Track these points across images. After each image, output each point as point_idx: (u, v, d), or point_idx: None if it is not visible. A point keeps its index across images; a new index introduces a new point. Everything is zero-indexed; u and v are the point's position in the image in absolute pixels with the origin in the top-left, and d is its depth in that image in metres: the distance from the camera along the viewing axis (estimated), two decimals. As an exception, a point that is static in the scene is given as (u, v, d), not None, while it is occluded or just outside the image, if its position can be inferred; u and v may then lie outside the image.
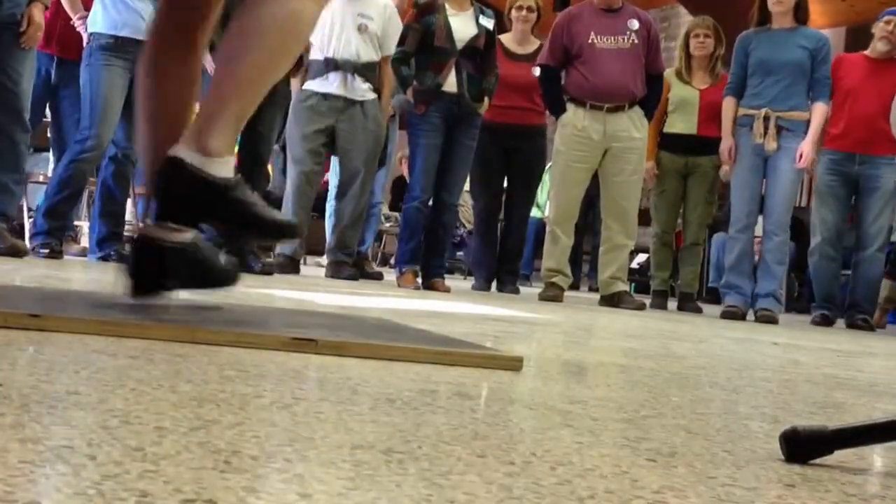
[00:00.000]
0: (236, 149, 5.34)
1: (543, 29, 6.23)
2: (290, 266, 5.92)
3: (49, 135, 6.11)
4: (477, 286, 6.56)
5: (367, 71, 5.84)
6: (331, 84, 5.79)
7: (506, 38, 6.50)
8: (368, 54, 5.84)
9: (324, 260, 6.67)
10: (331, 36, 5.73)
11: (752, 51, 5.68)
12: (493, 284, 6.58)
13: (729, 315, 5.55)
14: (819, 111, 5.61)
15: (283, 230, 1.94)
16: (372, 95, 5.86)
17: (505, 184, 6.62)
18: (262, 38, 1.83)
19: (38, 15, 4.66)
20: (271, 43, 1.84)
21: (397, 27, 5.98)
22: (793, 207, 5.76)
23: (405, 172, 7.34)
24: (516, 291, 6.36)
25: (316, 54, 5.82)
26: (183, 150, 1.77)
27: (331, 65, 5.75)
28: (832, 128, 5.82)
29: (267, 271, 5.40)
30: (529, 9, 6.43)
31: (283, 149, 6.30)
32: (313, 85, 5.76)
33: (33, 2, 4.65)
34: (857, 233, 6.00)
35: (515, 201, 6.54)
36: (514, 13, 6.50)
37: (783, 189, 5.59)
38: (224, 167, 1.78)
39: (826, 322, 5.86)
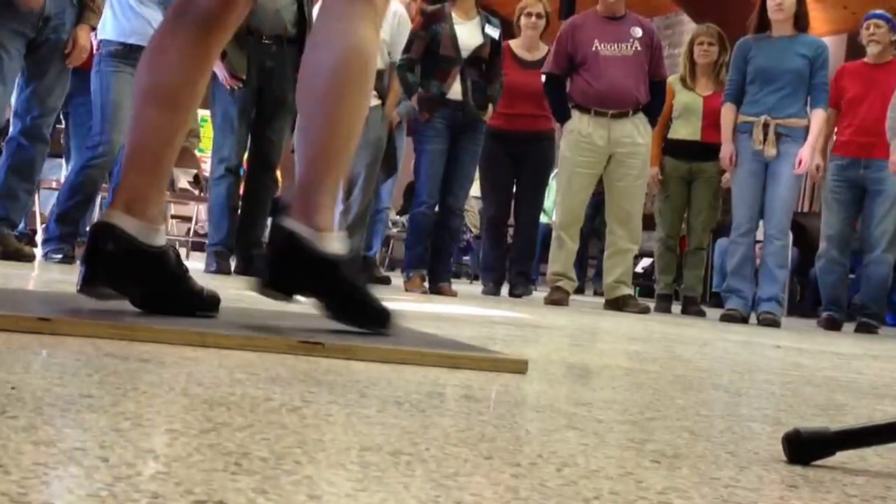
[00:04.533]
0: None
1: (551, 36, 6.23)
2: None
3: (62, 142, 6.14)
4: (486, 291, 6.55)
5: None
6: None
7: (515, 45, 6.51)
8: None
9: None
10: None
11: (751, 58, 5.66)
12: (504, 288, 6.59)
13: (728, 318, 5.55)
14: (818, 117, 5.62)
15: (377, 318, 1.83)
16: (375, 102, 5.87)
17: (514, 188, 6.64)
18: (329, 91, 1.76)
19: (84, 37, 4.74)
20: (340, 92, 1.76)
21: (405, 35, 5.98)
22: (793, 212, 5.77)
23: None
24: (529, 292, 6.37)
25: None
26: (295, 224, 1.74)
27: None
28: (839, 135, 5.84)
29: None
30: (538, 15, 6.44)
31: None
32: None
33: (80, 23, 4.73)
34: (862, 236, 6.00)
35: (524, 204, 6.55)
36: (523, 20, 6.50)
37: (783, 194, 5.59)
38: (335, 242, 1.76)
39: (833, 324, 5.86)
